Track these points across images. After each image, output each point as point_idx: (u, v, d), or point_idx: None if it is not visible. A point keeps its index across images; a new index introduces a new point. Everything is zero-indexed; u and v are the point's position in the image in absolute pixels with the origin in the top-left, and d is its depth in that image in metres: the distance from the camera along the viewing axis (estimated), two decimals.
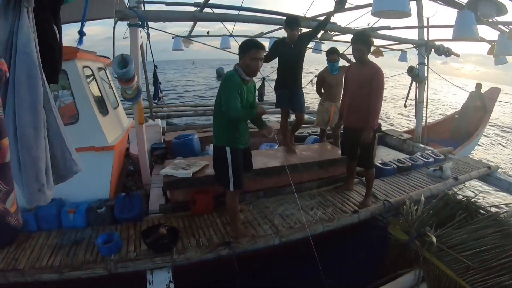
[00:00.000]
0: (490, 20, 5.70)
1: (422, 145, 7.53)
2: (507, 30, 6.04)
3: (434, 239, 3.47)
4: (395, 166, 5.78)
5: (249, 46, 3.34)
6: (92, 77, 4.80)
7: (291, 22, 4.86)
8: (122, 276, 3.38)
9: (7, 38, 1.94)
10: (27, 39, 1.95)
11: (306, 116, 9.78)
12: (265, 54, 3.72)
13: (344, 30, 6.39)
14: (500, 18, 5.60)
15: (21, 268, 3.19)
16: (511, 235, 3.66)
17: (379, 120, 4.50)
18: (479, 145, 11.98)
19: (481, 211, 4.20)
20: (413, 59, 8.02)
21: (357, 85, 4.35)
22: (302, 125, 7.06)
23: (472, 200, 4.34)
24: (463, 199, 4.36)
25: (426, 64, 7.52)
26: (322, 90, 6.29)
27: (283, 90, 5.16)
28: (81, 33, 3.51)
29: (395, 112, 21.57)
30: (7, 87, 1.94)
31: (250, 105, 3.57)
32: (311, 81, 7.10)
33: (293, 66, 5.05)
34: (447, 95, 31.84)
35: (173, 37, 8.71)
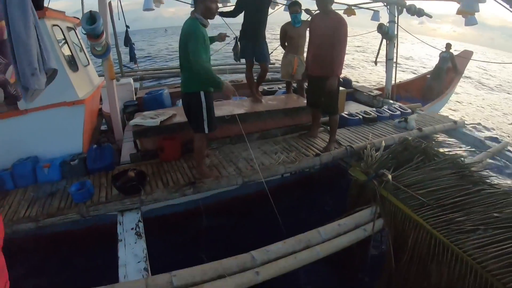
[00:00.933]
0: None
1: (391, 101, 7.68)
2: None
3: (390, 177, 3.68)
4: (361, 117, 5.93)
5: None
6: (61, 36, 4.83)
7: None
8: (98, 229, 3.58)
9: None
10: None
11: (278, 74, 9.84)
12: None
13: None
14: None
15: None
16: (466, 177, 3.88)
17: (350, 77, 4.61)
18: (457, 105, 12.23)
19: (439, 155, 4.36)
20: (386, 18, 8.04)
21: (321, 35, 4.45)
22: (274, 82, 7.16)
23: (430, 145, 4.53)
24: (422, 143, 4.54)
25: (396, 22, 7.62)
26: (285, 43, 6.35)
27: (246, 41, 5.25)
28: None
29: (367, 70, 21.75)
30: None
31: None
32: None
33: (257, 17, 5.14)
34: (419, 55, 31.76)
35: None
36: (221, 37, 4.19)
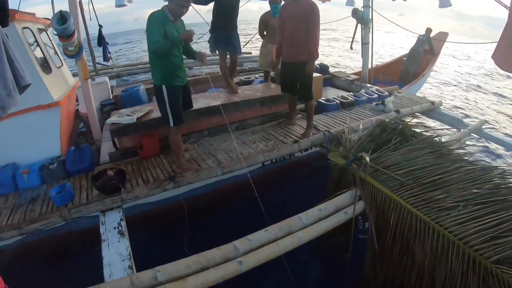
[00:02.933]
0: None
1: (369, 85, 7.75)
2: None
3: (368, 159, 3.73)
4: (338, 102, 5.99)
5: None
6: (33, 38, 4.75)
7: None
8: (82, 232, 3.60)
9: None
10: None
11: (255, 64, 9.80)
12: None
13: None
14: None
15: None
16: (444, 156, 3.95)
17: (327, 63, 4.64)
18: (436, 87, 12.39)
19: (416, 135, 4.42)
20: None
21: (294, 21, 4.45)
22: (251, 71, 7.13)
23: (408, 125, 4.58)
24: (399, 124, 4.59)
25: (370, 6, 7.67)
26: (265, 33, 6.35)
27: (218, 32, 5.24)
28: None
29: (343, 55, 21.88)
30: None
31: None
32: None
33: (229, 8, 5.13)
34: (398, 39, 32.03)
35: None
36: (201, 57, 3.86)
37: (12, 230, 3.28)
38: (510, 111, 11.29)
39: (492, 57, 3.70)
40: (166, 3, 3.50)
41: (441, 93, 13.26)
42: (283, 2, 5.94)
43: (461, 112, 10.66)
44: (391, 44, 29.26)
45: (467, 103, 12.09)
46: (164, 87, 3.57)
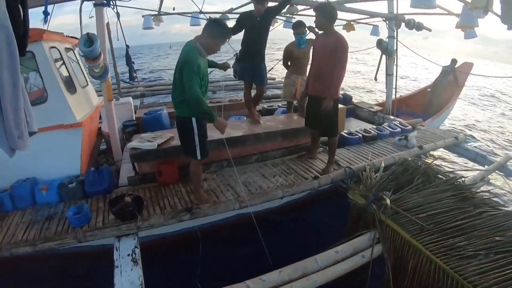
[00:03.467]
0: None
1: (392, 117, 7.67)
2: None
3: (388, 201, 3.64)
4: (360, 135, 5.90)
5: (219, 34, 3.41)
6: (59, 57, 4.83)
7: None
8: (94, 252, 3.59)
9: None
10: (4, 15, 2.22)
11: (278, 92, 9.87)
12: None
13: (310, 3, 6.48)
14: None
15: None
16: (467, 199, 3.83)
17: (349, 93, 4.59)
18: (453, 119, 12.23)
19: (440, 176, 4.32)
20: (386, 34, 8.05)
21: (322, 54, 4.42)
22: (273, 99, 7.11)
23: (431, 165, 4.48)
24: (422, 164, 4.50)
25: (395, 37, 7.62)
26: (289, 63, 6.31)
27: (246, 63, 5.23)
28: (45, 13, 3.63)
29: (367, 86, 21.71)
30: None
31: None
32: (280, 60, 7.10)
33: (257, 39, 5.12)
34: (421, 70, 31.73)
35: (142, 16, 8.65)
36: (225, 66, 4.15)
37: (27, 246, 3.31)
38: None
39: None
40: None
41: (465, 125, 13.00)
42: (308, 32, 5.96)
43: (486, 145, 10.42)
44: (414, 76, 28.98)
45: (493, 136, 11.80)
46: (194, 119, 3.53)
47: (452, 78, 9.99)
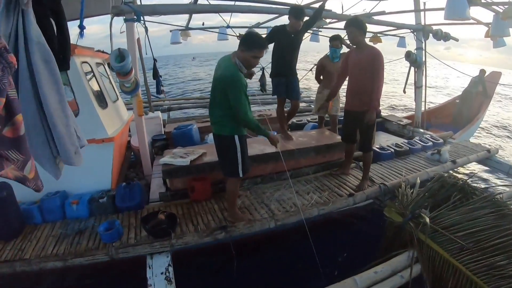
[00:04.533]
0: (483, 1, 5.70)
1: (422, 130, 7.56)
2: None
3: (427, 220, 3.53)
4: (392, 150, 5.82)
5: (255, 45, 3.34)
6: (91, 72, 4.89)
7: (299, 12, 4.88)
8: (125, 262, 3.51)
9: (9, 33, 2.17)
10: (38, 32, 2.24)
11: (304, 104, 9.84)
12: None
13: (339, 17, 6.45)
14: None
15: (27, 257, 3.31)
16: (506, 216, 3.70)
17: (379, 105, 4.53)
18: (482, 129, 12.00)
19: (477, 192, 4.19)
20: (412, 45, 7.98)
21: (358, 69, 4.38)
22: (302, 113, 7.05)
23: (468, 181, 4.35)
24: (459, 180, 4.37)
25: (424, 49, 7.52)
26: (321, 77, 6.28)
27: (279, 78, 5.19)
28: (81, 27, 3.67)
29: (396, 98, 21.46)
30: (17, 75, 2.19)
31: None
32: (311, 69, 7.07)
33: (290, 54, 5.09)
34: (449, 80, 31.42)
35: (170, 31, 8.75)
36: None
37: (57, 261, 3.29)
38: None
39: None
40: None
41: (494, 139, 12.70)
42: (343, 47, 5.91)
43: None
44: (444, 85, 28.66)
45: None
46: (236, 137, 3.49)
47: (481, 88, 9.83)
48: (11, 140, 1.54)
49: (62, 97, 2.33)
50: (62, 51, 2.83)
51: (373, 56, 4.24)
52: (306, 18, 5.20)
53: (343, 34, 5.29)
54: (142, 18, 4.52)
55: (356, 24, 4.27)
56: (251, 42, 3.35)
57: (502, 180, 7.37)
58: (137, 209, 4.21)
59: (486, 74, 10.17)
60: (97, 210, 4.13)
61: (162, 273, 3.21)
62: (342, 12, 6.91)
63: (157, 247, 3.46)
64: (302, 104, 9.65)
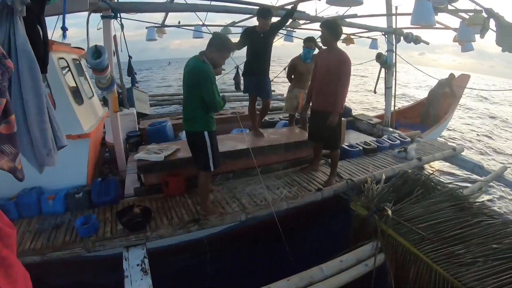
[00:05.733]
0: (450, 8, 5.97)
1: (391, 129, 7.80)
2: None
3: (390, 212, 3.76)
4: (361, 148, 6.01)
5: (224, 47, 3.59)
6: (67, 68, 4.91)
7: (266, 13, 5.00)
8: (102, 258, 3.63)
9: (3, 40, 2.29)
10: (24, 40, 2.35)
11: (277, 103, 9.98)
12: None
13: (312, 19, 6.62)
14: (459, 5, 5.91)
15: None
16: (465, 209, 3.98)
17: (350, 105, 4.70)
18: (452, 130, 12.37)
19: (439, 187, 4.47)
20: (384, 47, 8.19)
21: (326, 70, 4.53)
22: (274, 111, 7.18)
23: (430, 177, 4.62)
24: (422, 176, 4.64)
25: (394, 51, 7.76)
26: (292, 77, 6.43)
27: (250, 77, 5.35)
28: (64, 28, 3.72)
29: (367, 98, 21.99)
30: (10, 79, 2.27)
31: None
32: (284, 68, 7.22)
33: (261, 54, 5.22)
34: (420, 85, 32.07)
35: (146, 27, 8.76)
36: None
37: (35, 255, 3.32)
38: None
39: None
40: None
41: (462, 136, 13.16)
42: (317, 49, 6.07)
43: (483, 157, 10.56)
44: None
45: (488, 147, 12.01)
46: (206, 133, 3.66)
47: (448, 89, 10.11)
48: (6, 136, 1.66)
49: (42, 102, 2.42)
50: (44, 56, 2.92)
51: (341, 61, 4.40)
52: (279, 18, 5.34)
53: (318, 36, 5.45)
54: (119, 15, 4.59)
55: (329, 28, 4.43)
56: (223, 45, 3.57)
57: (468, 177, 7.70)
58: (112, 204, 4.26)
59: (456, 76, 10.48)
60: (73, 205, 4.16)
61: (138, 265, 3.30)
62: (316, 14, 7.09)
63: (133, 240, 3.56)
64: (275, 104, 9.83)
